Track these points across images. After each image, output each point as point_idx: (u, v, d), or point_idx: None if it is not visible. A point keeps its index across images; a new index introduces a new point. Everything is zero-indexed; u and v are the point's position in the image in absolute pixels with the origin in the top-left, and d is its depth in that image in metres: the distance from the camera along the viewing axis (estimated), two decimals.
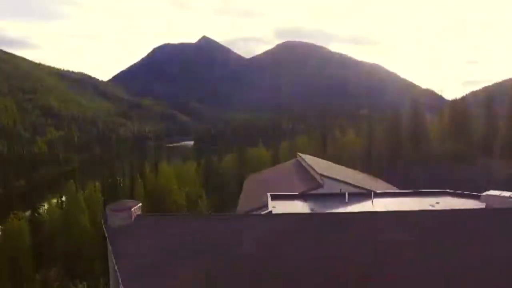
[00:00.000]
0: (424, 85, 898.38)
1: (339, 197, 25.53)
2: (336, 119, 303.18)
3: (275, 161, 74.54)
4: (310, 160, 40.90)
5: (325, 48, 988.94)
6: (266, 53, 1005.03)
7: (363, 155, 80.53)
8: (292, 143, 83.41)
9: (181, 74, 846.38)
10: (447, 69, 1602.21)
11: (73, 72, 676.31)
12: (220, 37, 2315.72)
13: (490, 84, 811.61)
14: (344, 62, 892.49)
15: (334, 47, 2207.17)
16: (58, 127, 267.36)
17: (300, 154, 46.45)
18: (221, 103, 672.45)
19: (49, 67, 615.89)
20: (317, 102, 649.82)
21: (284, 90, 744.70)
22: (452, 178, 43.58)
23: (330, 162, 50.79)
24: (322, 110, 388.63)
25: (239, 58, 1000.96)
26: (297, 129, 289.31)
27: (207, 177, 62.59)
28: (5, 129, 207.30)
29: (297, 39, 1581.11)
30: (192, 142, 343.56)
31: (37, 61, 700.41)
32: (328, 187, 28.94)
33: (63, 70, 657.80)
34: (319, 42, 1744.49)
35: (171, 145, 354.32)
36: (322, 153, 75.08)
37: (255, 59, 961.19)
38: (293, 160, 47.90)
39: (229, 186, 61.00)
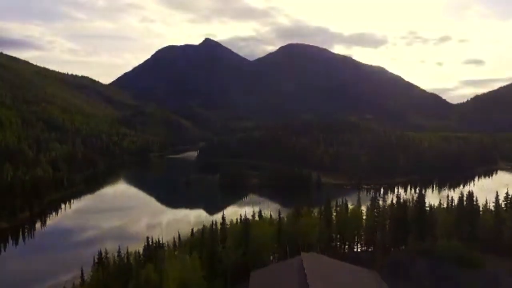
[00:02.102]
0: (428, 89, 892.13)
1: None
2: (340, 132, 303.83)
3: (280, 236, 74.03)
4: (312, 273, 40.90)
5: (329, 51, 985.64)
6: (269, 55, 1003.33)
7: (368, 234, 79.15)
8: (296, 220, 79.67)
9: (184, 77, 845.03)
10: (450, 69, 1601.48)
11: (76, 76, 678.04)
12: (220, 37, 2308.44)
13: (495, 88, 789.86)
14: (348, 65, 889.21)
15: (337, 49, 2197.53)
16: (62, 141, 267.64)
17: (304, 255, 46.52)
18: (225, 108, 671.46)
19: (52, 72, 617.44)
20: (321, 106, 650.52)
21: (288, 94, 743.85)
22: (457, 281, 42.97)
23: (333, 262, 50.66)
24: (325, 119, 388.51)
25: (243, 60, 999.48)
26: (300, 143, 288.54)
27: (210, 264, 62.57)
28: (10, 149, 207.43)
29: (299, 39, 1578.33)
30: (195, 153, 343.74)
31: (40, 63, 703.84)
32: None
33: (67, 74, 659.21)
34: (321, 43, 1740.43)
35: (173, 156, 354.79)
36: (327, 229, 74.07)
37: (258, 62, 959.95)
38: (297, 263, 47.41)
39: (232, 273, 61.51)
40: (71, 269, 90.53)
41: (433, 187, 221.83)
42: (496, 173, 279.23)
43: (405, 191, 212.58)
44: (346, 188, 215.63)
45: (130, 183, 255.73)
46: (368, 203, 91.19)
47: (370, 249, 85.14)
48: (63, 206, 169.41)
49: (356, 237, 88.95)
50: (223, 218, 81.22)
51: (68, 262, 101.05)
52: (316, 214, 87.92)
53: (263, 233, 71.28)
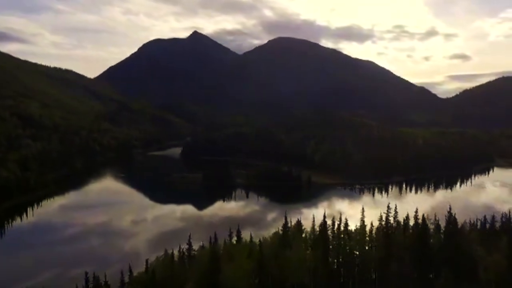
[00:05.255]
0: (416, 83, 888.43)
1: None
2: (333, 128, 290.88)
3: (261, 274, 58.20)
4: None
5: (318, 45, 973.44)
6: (258, 49, 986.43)
7: (378, 266, 61.84)
8: (281, 253, 62.85)
9: (172, 71, 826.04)
10: (436, 64, 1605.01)
11: (60, 69, 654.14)
12: (206, 30, 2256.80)
13: (480, 83, 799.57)
14: (338, 59, 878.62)
15: (324, 43, 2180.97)
16: (36, 138, 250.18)
17: None
18: (215, 102, 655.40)
19: (34, 65, 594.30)
20: (312, 101, 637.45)
21: (278, 89, 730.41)
22: None
23: None
24: (317, 114, 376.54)
25: (232, 54, 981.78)
26: (291, 140, 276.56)
27: None
28: None
29: (286, 33, 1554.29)
30: (180, 149, 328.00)
31: (23, 56, 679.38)
32: None
33: (49, 67, 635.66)
34: (308, 36, 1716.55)
35: (155, 153, 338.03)
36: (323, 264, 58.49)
37: (247, 55, 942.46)
38: None
39: None
40: None
41: (429, 187, 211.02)
42: (493, 170, 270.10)
43: (400, 191, 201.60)
44: (339, 188, 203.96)
45: (104, 184, 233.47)
46: (374, 220, 74.57)
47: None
48: (29, 210, 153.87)
49: (362, 269, 70.99)
50: (189, 242, 66.03)
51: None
52: (308, 235, 72.55)
53: (238, 270, 55.57)
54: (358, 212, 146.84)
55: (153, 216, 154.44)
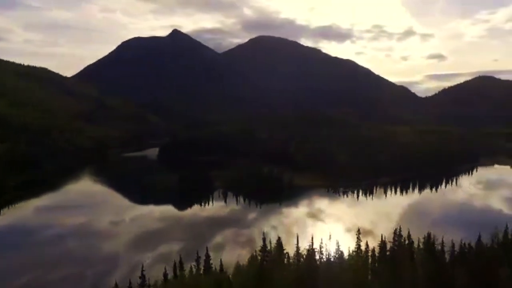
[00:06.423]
0: (396, 82, 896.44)
1: None
2: (317, 127, 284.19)
3: None
4: None
5: (299, 44, 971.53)
6: (239, 47, 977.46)
7: None
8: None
9: (152, 69, 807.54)
10: (414, 64, 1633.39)
11: (34, 67, 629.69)
12: (185, 29, 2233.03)
13: (457, 82, 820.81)
14: (320, 58, 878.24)
15: (304, 42, 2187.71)
16: (3, 139, 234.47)
17: None
18: (196, 101, 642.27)
19: (6, 63, 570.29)
20: (295, 100, 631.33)
21: (261, 87, 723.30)
22: None
23: None
24: (300, 113, 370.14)
25: (213, 52, 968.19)
26: (273, 140, 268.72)
27: None
28: None
29: (265, 32, 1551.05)
30: (157, 150, 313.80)
31: None
32: None
33: (23, 65, 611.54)
34: (288, 35, 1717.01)
35: (131, 154, 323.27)
36: None
37: (228, 54, 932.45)
38: None
39: None
40: None
41: (414, 188, 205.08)
42: (477, 169, 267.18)
43: (385, 193, 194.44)
44: (322, 191, 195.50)
45: (74, 187, 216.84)
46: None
47: None
48: None
49: None
50: (142, 275, 55.55)
51: None
52: (291, 261, 61.95)
53: None
54: (342, 217, 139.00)
55: (123, 219, 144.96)
